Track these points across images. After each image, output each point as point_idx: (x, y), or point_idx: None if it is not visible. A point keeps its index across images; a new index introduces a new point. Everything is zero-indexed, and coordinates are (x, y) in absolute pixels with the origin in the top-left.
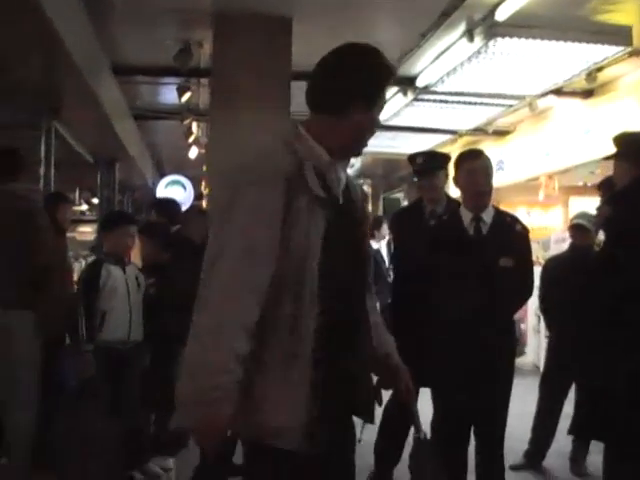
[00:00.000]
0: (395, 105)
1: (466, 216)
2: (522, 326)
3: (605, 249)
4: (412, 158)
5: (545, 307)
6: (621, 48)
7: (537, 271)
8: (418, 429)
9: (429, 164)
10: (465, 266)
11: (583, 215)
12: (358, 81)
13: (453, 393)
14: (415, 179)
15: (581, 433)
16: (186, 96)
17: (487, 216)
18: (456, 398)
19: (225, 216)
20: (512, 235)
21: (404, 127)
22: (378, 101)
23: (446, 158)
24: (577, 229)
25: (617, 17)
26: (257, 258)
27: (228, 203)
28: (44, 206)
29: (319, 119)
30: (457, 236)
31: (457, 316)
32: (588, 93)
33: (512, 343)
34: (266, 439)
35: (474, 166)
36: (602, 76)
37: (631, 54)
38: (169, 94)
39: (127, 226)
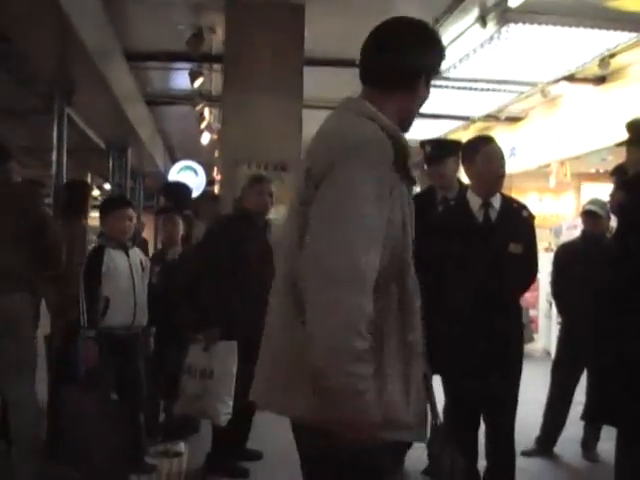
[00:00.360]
0: None
1: (475, 202)
2: (532, 312)
3: (617, 235)
4: (422, 145)
5: (557, 293)
6: (634, 34)
7: (549, 258)
8: (435, 415)
9: (437, 152)
10: (475, 252)
11: (595, 202)
12: (428, 56)
13: (462, 380)
14: (425, 166)
15: (593, 419)
16: (198, 82)
17: (495, 202)
18: (465, 385)
19: (344, 202)
20: (520, 221)
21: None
22: (433, 77)
23: (456, 145)
24: (589, 216)
25: (630, 3)
26: (376, 246)
27: (345, 189)
28: (67, 192)
29: (385, 94)
30: (466, 222)
31: (467, 303)
32: (600, 79)
33: (520, 329)
34: (388, 432)
35: (490, 150)
36: (615, 63)
37: None
38: (181, 80)
39: (123, 209)
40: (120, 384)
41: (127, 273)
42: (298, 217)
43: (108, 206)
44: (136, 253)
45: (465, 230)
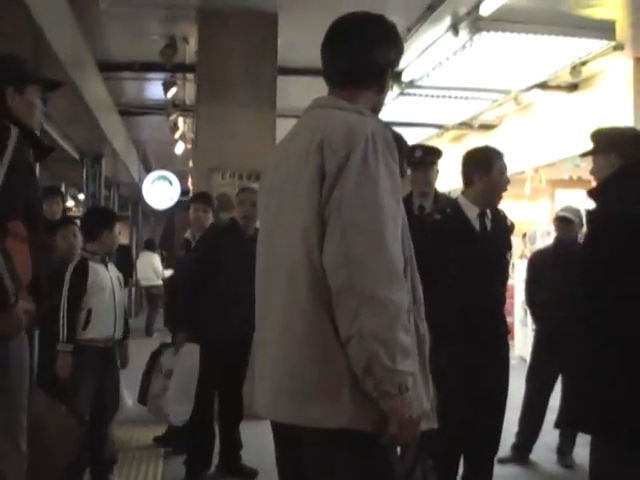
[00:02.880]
0: None
1: (472, 211)
2: (508, 319)
3: (589, 240)
4: (409, 150)
5: (531, 300)
6: (605, 42)
7: (524, 265)
8: None
9: (427, 157)
10: (478, 261)
11: (568, 208)
12: (392, 51)
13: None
14: (409, 172)
15: (567, 426)
16: (172, 91)
17: (487, 211)
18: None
19: (368, 194)
20: (506, 229)
21: (390, 122)
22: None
23: (440, 153)
24: (562, 222)
25: (600, 12)
26: (398, 237)
27: (366, 181)
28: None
29: (355, 93)
30: (466, 231)
31: (470, 307)
32: (573, 87)
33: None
34: None
35: (504, 165)
36: (586, 70)
37: (615, 48)
38: (155, 90)
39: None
40: (98, 396)
41: (109, 287)
42: (312, 220)
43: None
44: (113, 268)
45: (466, 238)
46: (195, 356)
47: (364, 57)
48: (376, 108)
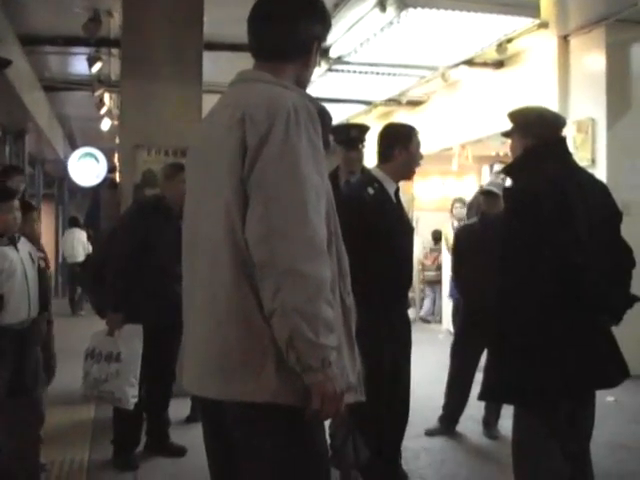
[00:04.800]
0: None
1: (390, 185)
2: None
3: (505, 216)
4: (343, 129)
5: (456, 274)
6: (530, 20)
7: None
8: None
9: (362, 136)
10: (402, 233)
11: (494, 182)
12: (318, 24)
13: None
14: (343, 150)
15: (489, 398)
16: (96, 67)
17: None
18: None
19: (289, 167)
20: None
21: (318, 98)
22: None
23: (369, 130)
24: (487, 196)
25: None
26: (322, 209)
27: (287, 154)
28: None
29: (281, 66)
30: (391, 204)
31: (397, 274)
32: (499, 64)
33: None
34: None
35: (419, 139)
36: (512, 47)
37: (539, 26)
38: (80, 65)
39: (9, 201)
40: (18, 378)
41: (21, 269)
42: (234, 195)
43: None
44: (24, 245)
45: (392, 211)
46: (140, 337)
47: (289, 30)
48: (302, 82)
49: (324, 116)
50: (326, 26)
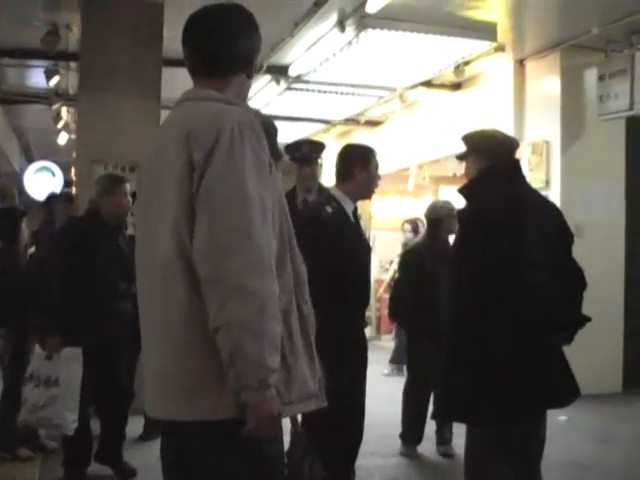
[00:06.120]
0: (268, 94)
1: (348, 205)
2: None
3: (457, 238)
4: (295, 146)
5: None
6: (487, 43)
7: None
8: (295, 424)
9: (315, 152)
10: (361, 252)
11: (444, 203)
12: (254, 38)
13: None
14: (296, 167)
15: (441, 416)
16: (54, 80)
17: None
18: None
19: (233, 184)
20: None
21: (277, 116)
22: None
23: (324, 147)
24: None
25: (483, 14)
26: (269, 224)
27: (231, 170)
28: None
29: (222, 82)
30: (348, 224)
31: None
32: (456, 86)
33: None
34: (299, 406)
35: (377, 161)
36: (469, 70)
37: (496, 49)
38: (37, 77)
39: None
40: None
41: None
42: (183, 213)
43: None
44: None
45: (351, 231)
46: (79, 360)
47: (228, 45)
48: (244, 94)
49: (269, 128)
50: (259, 37)
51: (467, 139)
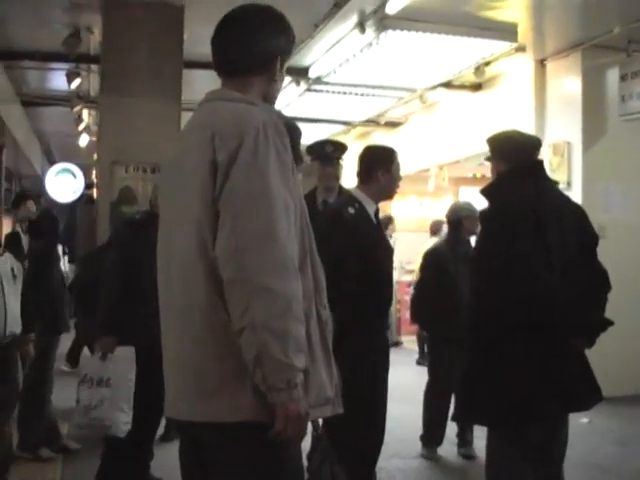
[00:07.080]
0: (288, 95)
1: (370, 206)
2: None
3: (479, 239)
4: (318, 145)
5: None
6: (507, 44)
7: None
8: (316, 426)
9: (337, 152)
10: (384, 254)
11: (466, 205)
12: (281, 39)
13: None
14: (319, 166)
15: (461, 418)
16: (76, 82)
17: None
18: None
19: (258, 185)
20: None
21: (297, 118)
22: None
23: (347, 148)
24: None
25: (504, 14)
26: (292, 226)
27: (255, 172)
28: None
29: (245, 83)
30: (371, 225)
31: (377, 294)
32: (477, 87)
33: None
34: (316, 411)
35: (399, 163)
36: (490, 70)
37: (517, 50)
38: (59, 80)
39: None
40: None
41: None
42: (205, 213)
43: None
44: (6, 260)
45: (374, 232)
46: (132, 360)
47: (247, 44)
48: (268, 97)
49: (293, 131)
50: (289, 39)
51: (489, 141)
